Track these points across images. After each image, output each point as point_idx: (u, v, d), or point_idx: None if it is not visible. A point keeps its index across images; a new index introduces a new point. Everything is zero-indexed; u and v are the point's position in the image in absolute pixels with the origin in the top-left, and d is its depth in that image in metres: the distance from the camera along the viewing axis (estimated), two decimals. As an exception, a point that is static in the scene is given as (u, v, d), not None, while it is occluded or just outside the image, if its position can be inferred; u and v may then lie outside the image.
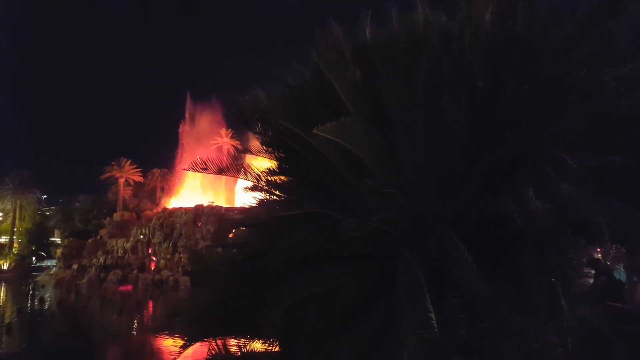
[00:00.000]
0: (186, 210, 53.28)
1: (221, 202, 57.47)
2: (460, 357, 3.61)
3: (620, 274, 7.13)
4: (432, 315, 3.22)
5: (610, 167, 3.76)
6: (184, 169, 5.42)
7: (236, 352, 4.88)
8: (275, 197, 5.34)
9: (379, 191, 4.04)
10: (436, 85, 4.09)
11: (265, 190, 5.33)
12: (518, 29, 4.18)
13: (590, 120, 3.70)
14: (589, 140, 3.80)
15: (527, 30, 4.18)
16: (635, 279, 6.90)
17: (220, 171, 5.36)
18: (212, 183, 59.91)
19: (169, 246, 49.90)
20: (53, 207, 78.67)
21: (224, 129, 70.22)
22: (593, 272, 6.64)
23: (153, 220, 53.91)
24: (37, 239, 68.60)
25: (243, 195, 5.70)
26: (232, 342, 5.03)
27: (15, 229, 68.22)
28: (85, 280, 48.34)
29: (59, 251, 57.98)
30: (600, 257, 6.61)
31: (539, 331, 3.41)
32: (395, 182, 4.00)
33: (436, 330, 3.18)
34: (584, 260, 4.58)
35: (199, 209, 52.98)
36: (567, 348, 3.60)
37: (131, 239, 53.11)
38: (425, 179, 4.21)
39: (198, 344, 5.02)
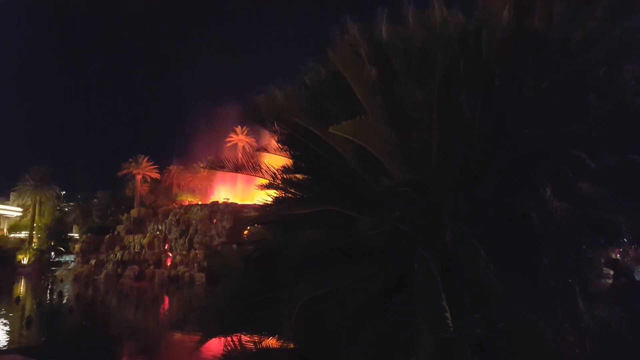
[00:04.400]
0: (202, 207, 53.71)
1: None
2: (475, 356, 3.60)
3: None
4: (448, 314, 3.22)
5: (629, 166, 3.71)
6: (202, 167, 5.49)
7: (251, 348, 4.92)
8: (290, 195, 5.36)
9: (395, 190, 4.04)
10: (453, 83, 4.07)
11: (281, 188, 5.36)
12: (536, 27, 4.13)
13: (609, 118, 3.65)
14: (608, 138, 3.75)
15: (545, 28, 4.13)
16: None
17: (237, 169, 5.41)
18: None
19: (185, 242, 50.39)
20: (72, 203, 79.90)
21: (239, 127, 70.50)
22: (612, 272, 6.54)
23: (169, 217, 54.47)
24: (56, 234, 69.83)
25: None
26: (248, 338, 5.07)
27: (34, 225, 69.46)
28: (102, 275, 49.04)
29: (77, 246, 58.91)
30: (620, 258, 6.51)
31: (555, 331, 3.39)
32: (411, 180, 4.00)
33: (451, 329, 3.18)
34: (603, 261, 4.52)
35: (214, 205, 53.38)
36: (584, 348, 3.58)
37: (148, 235, 53.75)
38: (441, 178, 4.19)
39: (215, 339, 5.08)
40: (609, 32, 4.06)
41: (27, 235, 69.86)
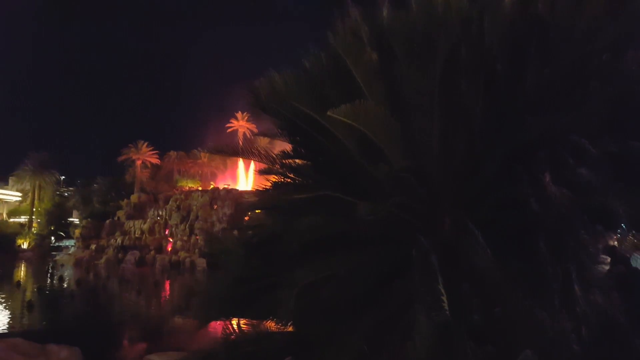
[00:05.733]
0: (202, 193, 53.80)
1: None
2: (472, 341, 3.62)
3: (637, 262, 7.02)
4: (444, 298, 3.23)
5: (630, 152, 3.70)
6: (201, 151, 5.48)
7: (251, 332, 4.96)
8: (290, 180, 5.35)
9: (394, 176, 4.03)
10: (454, 69, 4.04)
11: (280, 173, 5.35)
12: (539, 12, 4.09)
13: (611, 105, 3.63)
14: (609, 125, 3.73)
15: (548, 13, 4.09)
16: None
17: (236, 154, 5.40)
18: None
19: (185, 228, 50.48)
20: (71, 189, 79.87)
21: (239, 113, 70.20)
22: (609, 259, 6.55)
23: (170, 202, 54.53)
24: (56, 219, 69.87)
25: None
26: (247, 322, 5.11)
27: (34, 209, 69.55)
28: (103, 260, 49.21)
29: (77, 231, 59.01)
30: (617, 245, 6.52)
31: (552, 317, 3.41)
32: (411, 167, 3.99)
33: (448, 313, 3.19)
34: (601, 248, 4.53)
35: (215, 191, 53.45)
36: (580, 334, 3.60)
37: (148, 220, 53.82)
38: (441, 164, 4.18)
39: (218, 325, 5.11)
40: (612, 18, 4.02)
41: (26, 220, 69.97)
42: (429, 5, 4.30)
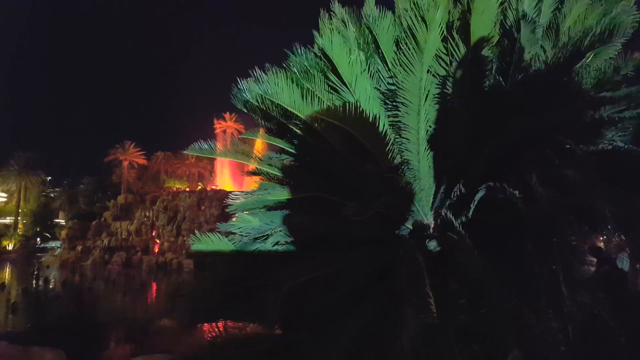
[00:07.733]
0: (190, 194, 53.53)
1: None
2: (459, 341, 3.62)
3: (623, 262, 7.09)
4: (431, 300, 3.22)
5: (615, 153, 3.72)
6: (186, 152, 5.43)
7: (237, 334, 4.91)
8: (277, 181, 5.32)
9: (381, 176, 4.02)
10: (440, 68, 4.04)
11: (267, 174, 5.31)
12: (525, 12, 4.10)
13: (595, 105, 3.65)
14: (594, 125, 3.75)
15: (535, 13, 4.10)
16: (638, 267, 6.88)
17: (223, 155, 5.35)
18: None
19: (172, 229, 50.14)
20: (57, 189, 79.00)
21: (227, 113, 70.04)
22: (595, 260, 6.61)
23: (157, 203, 54.14)
24: (42, 220, 69.01)
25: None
26: (234, 324, 5.06)
27: (20, 210, 68.67)
28: (89, 261, 48.72)
29: (63, 232, 58.34)
30: (603, 246, 6.57)
31: (539, 317, 3.41)
32: (398, 167, 3.98)
33: (435, 314, 3.18)
34: (586, 248, 4.55)
35: (202, 192, 53.21)
36: (567, 334, 3.61)
37: (135, 221, 53.37)
38: (428, 164, 4.18)
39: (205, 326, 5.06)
40: (597, 18, 4.05)
41: (12, 221, 69.03)
42: (414, 3, 4.29)
